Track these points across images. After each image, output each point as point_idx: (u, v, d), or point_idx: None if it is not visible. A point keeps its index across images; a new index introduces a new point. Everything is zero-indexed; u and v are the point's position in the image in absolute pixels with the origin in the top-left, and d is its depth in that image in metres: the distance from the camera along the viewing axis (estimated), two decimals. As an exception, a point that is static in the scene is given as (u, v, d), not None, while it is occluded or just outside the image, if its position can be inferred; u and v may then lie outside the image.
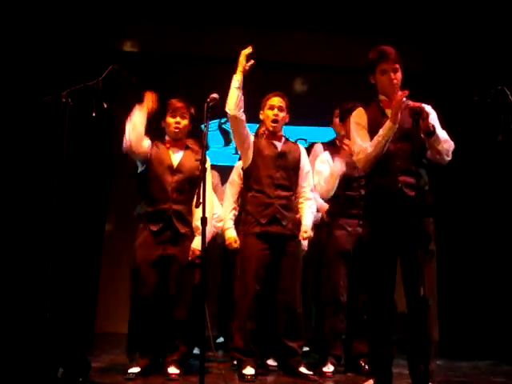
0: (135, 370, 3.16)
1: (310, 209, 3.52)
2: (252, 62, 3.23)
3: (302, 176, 3.55)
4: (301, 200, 3.54)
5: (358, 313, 3.50)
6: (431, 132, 2.67)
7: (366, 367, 3.40)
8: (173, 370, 3.21)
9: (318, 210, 3.66)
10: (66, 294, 4.48)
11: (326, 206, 3.68)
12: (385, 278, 2.76)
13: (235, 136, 3.44)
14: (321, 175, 3.60)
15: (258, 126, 3.93)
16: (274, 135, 3.53)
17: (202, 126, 2.82)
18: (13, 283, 4.66)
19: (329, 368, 3.43)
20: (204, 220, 2.56)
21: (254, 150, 3.46)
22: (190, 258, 3.28)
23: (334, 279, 3.50)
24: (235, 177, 3.63)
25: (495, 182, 5.42)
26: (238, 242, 3.47)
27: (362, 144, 2.80)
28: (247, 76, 3.27)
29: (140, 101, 3.30)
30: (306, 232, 3.41)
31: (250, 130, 3.46)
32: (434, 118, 2.83)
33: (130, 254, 3.38)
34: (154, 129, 3.46)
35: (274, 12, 5.69)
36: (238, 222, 3.55)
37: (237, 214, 3.61)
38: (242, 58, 3.23)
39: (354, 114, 2.95)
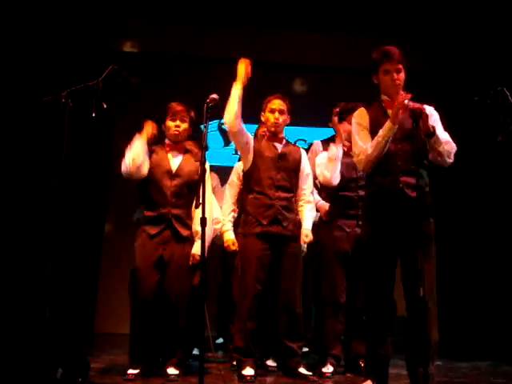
0: (134, 370, 3.16)
1: (310, 212, 3.53)
2: (249, 74, 3.22)
3: (303, 178, 3.55)
4: (301, 203, 3.54)
5: (356, 313, 3.50)
6: (431, 133, 2.67)
7: (366, 368, 3.40)
8: (172, 370, 3.21)
9: (317, 210, 3.67)
10: (66, 294, 4.48)
11: (325, 205, 3.68)
12: (383, 278, 2.76)
13: (235, 143, 3.46)
14: (321, 165, 3.60)
15: (256, 126, 3.94)
16: (274, 137, 3.54)
17: (202, 126, 2.82)
18: (12, 283, 4.67)
19: (328, 368, 3.43)
20: (204, 221, 2.56)
21: (255, 152, 3.46)
22: (190, 263, 3.29)
23: (333, 280, 3.51)
24: (234, 178, 3.63)
25: (495, 182, 5.42)
26: (237, 244, 3.47)
27: (363, 145, 2.81)
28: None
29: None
30: (306, 236, 3.43)
31: (248, 131, 3.46)
32: (436, 119, 2.83)
33: (130, 254, 3.38)
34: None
35: (274, 12, 5.69)
36: (237, 224, 3.55)
37: (236, 215, 3.61)
38: (241, 70, 3.23)
39: (356, 114, 2.95)
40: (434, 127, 2.69)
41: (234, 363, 3.41)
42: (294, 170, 3.51)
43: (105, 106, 2.99)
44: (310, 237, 3.44)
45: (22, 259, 4.76)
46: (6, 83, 4.80)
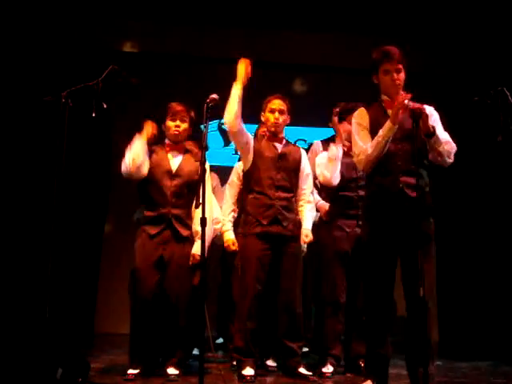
0: (134, 370, 3.16)
1: (310, 212, 3.53)
2: (249, 74, 3.22)
3: (303, 178, 3.55)
4: (301, 203, 3.54)
5: (357, 313, 3.50)
6: (431, 133, 2.67)
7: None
8: (172, 370, 3.21)
9: (317, 210, 3.67)
10: (66, 294, 4.48)
11: (325, 205, 3.68)
12: (383, 278, 2.76)
13: (235, 143, 3.47)
14: (321, 165, 3.60)
15: (256, 126, 3.94)
16: (274, 137, 3.54)
17: (202, 126, 2.82)
18: (12, 283, 4.67)
19: (328, 368, 3.43)
20: (204, 221, 2.56)
21: (255, 152, 3.46)
22: (190, 263, 3.29)
23: (333, 280, 3.51)
24: (234, 178, 3.63)
25: (495, 182, 5.42)
26: (236, 244, 3.47)
27: (363, 145, 2.81)
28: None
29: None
30: (307, 236, 3.43)
31: (248, 131, 3.46)
32: (436, 119, 2.83)
33: (130, 254, 3.38)
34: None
35: (274, 13, 5.68)
36: (237, 224, 3.56)
37: (236, 215, 3.61)
38: (241, 70, 3.23)
39: (356, 114, 2.95)
40: (433, 127, 2.69)
41: (234, 363, 3.41)
42: (294, 170, 3.51)
43: (105, 106, 2.99)
44: (310, 237, 3.44)
45: (22, 259, 4.75)
46: (6, 83, 4.79)
